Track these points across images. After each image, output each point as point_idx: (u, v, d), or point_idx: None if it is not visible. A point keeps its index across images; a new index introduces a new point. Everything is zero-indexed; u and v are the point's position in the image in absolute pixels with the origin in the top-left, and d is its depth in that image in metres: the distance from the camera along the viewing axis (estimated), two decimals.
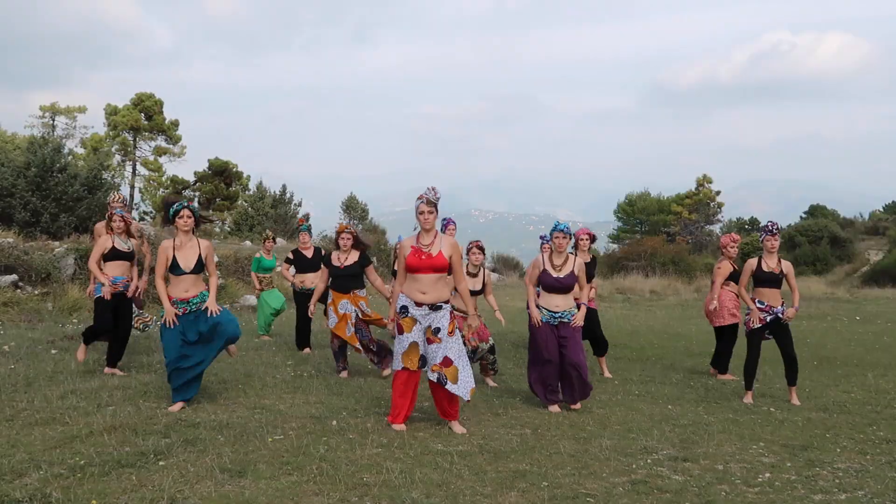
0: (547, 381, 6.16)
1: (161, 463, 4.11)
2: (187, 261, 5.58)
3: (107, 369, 6.84)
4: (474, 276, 7.03)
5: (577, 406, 6.13)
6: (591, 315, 7.94)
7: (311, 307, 7.55)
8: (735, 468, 4.46)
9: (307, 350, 8.97)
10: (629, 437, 5.19)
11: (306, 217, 9.52)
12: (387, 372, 7.19)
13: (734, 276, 8.08)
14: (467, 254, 7.09)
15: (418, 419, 5.45)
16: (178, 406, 5.49)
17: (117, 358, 6.93)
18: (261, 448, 4.47)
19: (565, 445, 4.86)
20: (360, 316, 7.14)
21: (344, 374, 7.30)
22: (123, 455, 4.18)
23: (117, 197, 7.95)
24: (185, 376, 5.54)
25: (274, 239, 10.55)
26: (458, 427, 5.18)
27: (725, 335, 8.24)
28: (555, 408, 6.10)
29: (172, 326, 5.53)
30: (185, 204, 5.66)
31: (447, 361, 5.15)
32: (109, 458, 4.10)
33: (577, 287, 6.23)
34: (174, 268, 5.56)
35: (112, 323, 6.72)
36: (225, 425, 4.98)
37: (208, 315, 5.59)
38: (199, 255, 5.61)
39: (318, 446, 4.54)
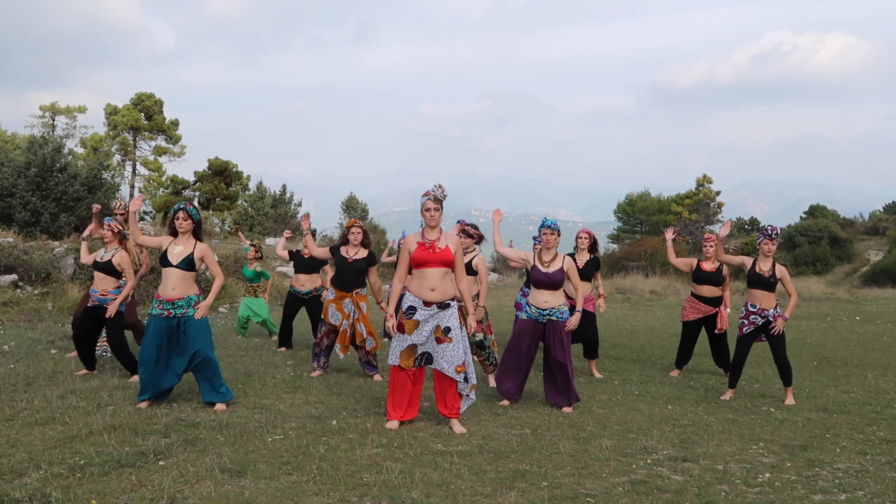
0: (508, 370, 6.16)
1: (161, 463, 4.11)
2: (177, 255, 5.53)
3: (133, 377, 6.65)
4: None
5: (569, 409, 6.02)
6: (588, 318, 7.70)
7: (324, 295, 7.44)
8: (735, 468, 4.46)
9: (283, 349, 9.00)
10: (629, 437, 5.19)
11: (307, 216, 9.45)
12: (377, 378, 7.20)
13: (702, 278, 8.08)
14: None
15: (418, 419, 5.45)
16: (144, 403, 5.45)
17: (129, 366, 6.67)
18: (261, 448, 4.47)
19: (565, 445, 4.87)
20: (357, 329, 7.13)
21: (317, 373, 7.25)
22: (123, 455, 4.19)
23: (118, 203, 7.85)
24: (150, 372, 5.48)
25: (258, 252, 10.12)
26: (458, 427, 5.19)
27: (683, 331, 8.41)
28: (504, 402, 6.16)
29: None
30: (182, 206, 5.61)
31: (463, 363, 5.22)
32: (109, 458, 4.10)
33: (573, 288, 6.22)
34: (163, 259, 5.54)
35: (79, 332, 6.69)
36: (225, 425, 4.98)
37: (191, 328, 5.50)
38: (192, 254, 5.53)
39: (318, 446, 4.54)
